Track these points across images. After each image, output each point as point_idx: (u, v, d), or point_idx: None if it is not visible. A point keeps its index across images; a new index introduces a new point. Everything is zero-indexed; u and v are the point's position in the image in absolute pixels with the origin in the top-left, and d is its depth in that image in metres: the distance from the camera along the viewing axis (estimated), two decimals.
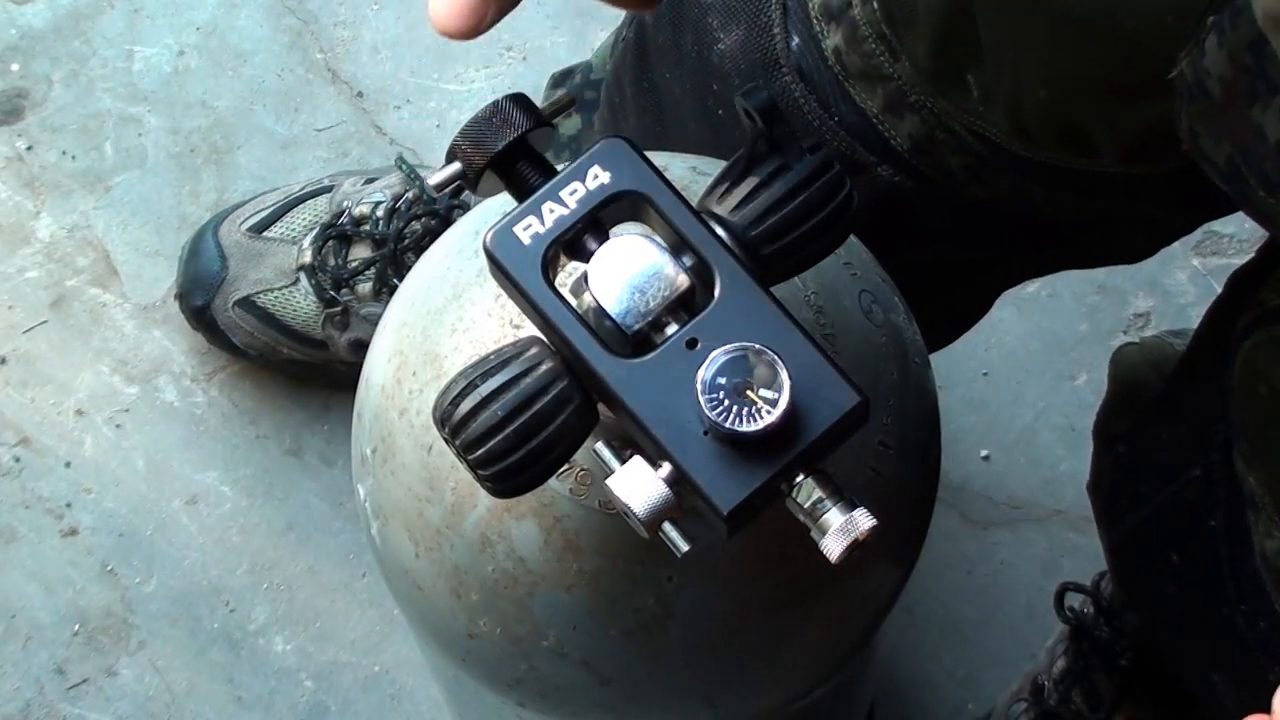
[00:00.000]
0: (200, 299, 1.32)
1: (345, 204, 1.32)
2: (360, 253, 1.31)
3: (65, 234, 1.41)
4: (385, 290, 1.30)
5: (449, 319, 0.76)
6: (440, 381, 0.73)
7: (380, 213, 1.31)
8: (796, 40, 0.87)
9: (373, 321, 1.28)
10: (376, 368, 0.80)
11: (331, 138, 1.43)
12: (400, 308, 0.80)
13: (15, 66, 1.45)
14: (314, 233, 1.31)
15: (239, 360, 1.35)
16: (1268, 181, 0.72)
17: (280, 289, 1.32)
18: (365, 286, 1.30)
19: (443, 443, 0.64)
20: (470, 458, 0.62)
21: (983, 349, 1.37)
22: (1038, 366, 1.36)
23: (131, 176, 1.42)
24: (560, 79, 1.38)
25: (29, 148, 1.43)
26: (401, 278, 1.07)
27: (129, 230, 1.41)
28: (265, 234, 1.33)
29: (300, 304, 1.31)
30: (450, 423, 0.62)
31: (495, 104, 0.65)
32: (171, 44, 1.46)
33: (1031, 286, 1.38)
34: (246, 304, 1.32)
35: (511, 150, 0.64)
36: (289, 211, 1.34)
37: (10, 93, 1.45)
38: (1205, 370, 0.93)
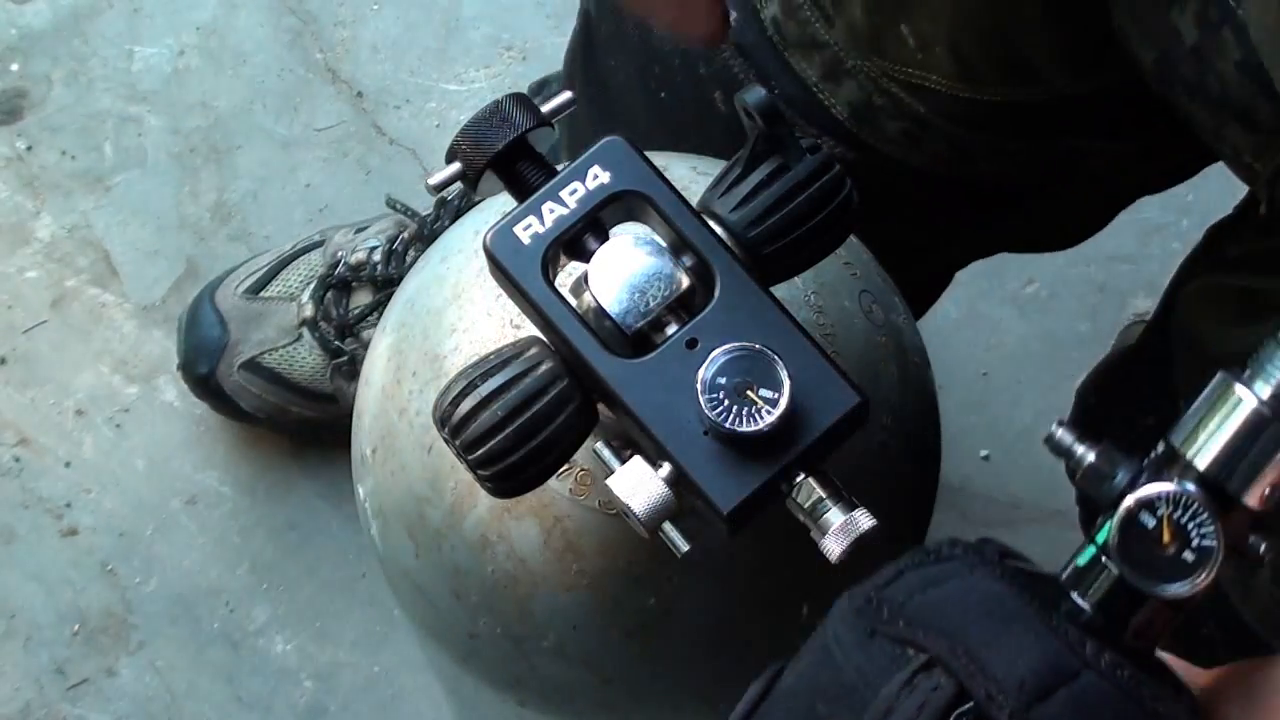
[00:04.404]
0: (204, 367, 1.31)
1: (340, 254, 1.31)
2: (362, 299, 1.30)
3: (65, 234, 1.41)
4: None
5: (449, 319, 0.76)
6: (440, 381, 0.73)
7: (378, 256, 1.30)
8: (735, 15, 0.88)
9: None
10: (376, 368, 0.80)
11: (331, 138, 1.43)
12: (400, 308, 0.80)
13: (15, 66, 1.45)
14: (312, 285, 1.30)
15: (246, 427, 1.35)
16: (1187, 84, 0.74)
17: (284, 346, 1.31)
18: (370, 332, 1.29)
19: (443, 443, 0.64)
20: (470, 458, 0.62)
21: (983, 349, 1.36)
22: (1038, 366, 1.36)
23: (131, 176, 1.42)
24: (537, 89, 1.38)
25: (29, 148, 1.43)
26: None
27: (129, 230, 1.41)
28: (262, 294, 1.32)
29: (306, 359, 1.31)
30: (450, 423, 0.62)
31: (495, 104, 0.65)
32: (171, 44, 1.46)
33: (1031, 286, 1.38)
34: (252, 366, 1.31)
35: (511, 150, 0.64)
36: (283, 269, 1.32)
37: (10, 93, 1.45)
38: (1166, 319, 0.95)
